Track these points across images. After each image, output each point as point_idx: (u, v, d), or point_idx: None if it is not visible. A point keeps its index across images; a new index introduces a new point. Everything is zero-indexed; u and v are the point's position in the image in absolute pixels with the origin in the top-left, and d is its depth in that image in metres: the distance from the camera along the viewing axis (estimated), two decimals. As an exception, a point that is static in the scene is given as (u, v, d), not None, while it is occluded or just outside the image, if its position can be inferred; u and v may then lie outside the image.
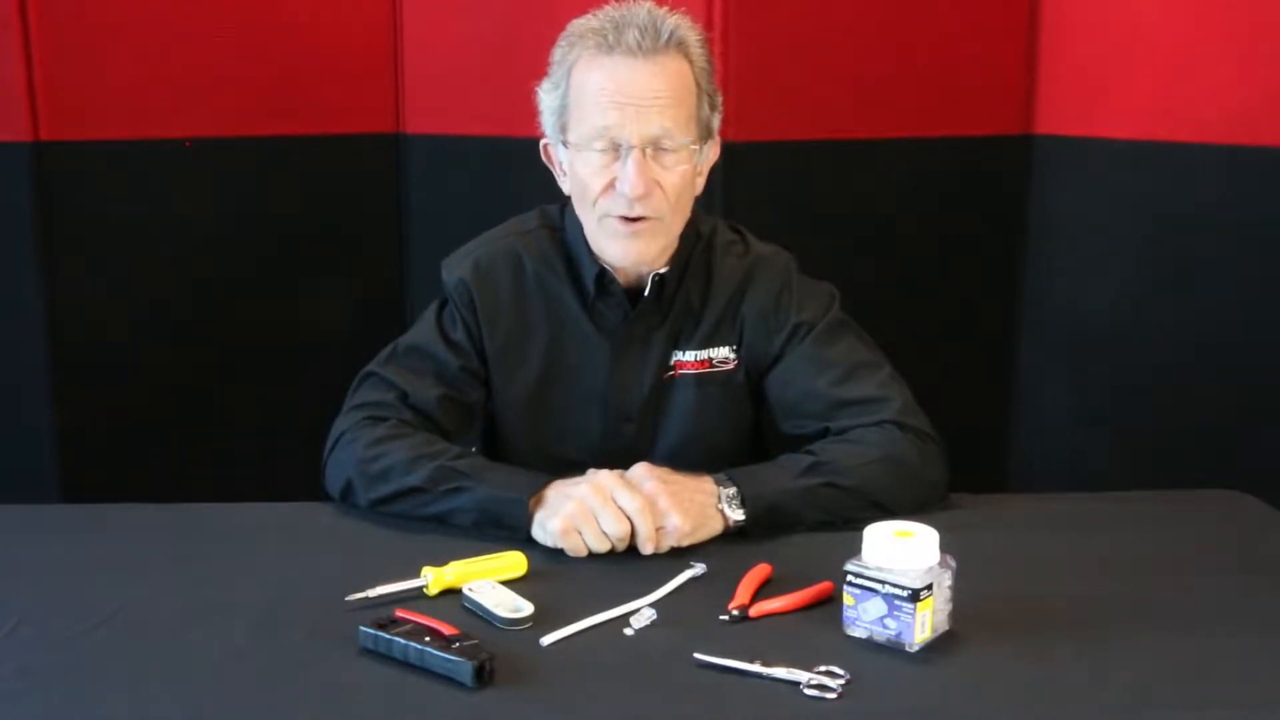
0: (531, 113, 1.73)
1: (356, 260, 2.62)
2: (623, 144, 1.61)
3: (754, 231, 1.82)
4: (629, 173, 1.61)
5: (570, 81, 1.65)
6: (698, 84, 1.65)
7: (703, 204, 1.73)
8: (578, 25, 1.67)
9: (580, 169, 1.65)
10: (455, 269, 1.76)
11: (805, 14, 2.33)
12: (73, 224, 2.39)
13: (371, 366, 1.74)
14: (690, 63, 1.64)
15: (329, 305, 2.56)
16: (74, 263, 2.41)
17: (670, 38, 1.62)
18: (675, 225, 1.69)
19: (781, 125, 2.34)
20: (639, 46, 1.60)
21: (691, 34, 1.65)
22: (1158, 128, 2.28)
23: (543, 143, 1.74)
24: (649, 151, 1.61)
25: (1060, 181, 2.42)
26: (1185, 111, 2.25)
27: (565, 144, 1.67)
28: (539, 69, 1.71)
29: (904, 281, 2.43)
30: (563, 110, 1.66)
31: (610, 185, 1.63)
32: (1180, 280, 2.32)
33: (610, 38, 1.61)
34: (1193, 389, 2.33)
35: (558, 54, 1.68)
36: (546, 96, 1.69)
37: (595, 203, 1.65)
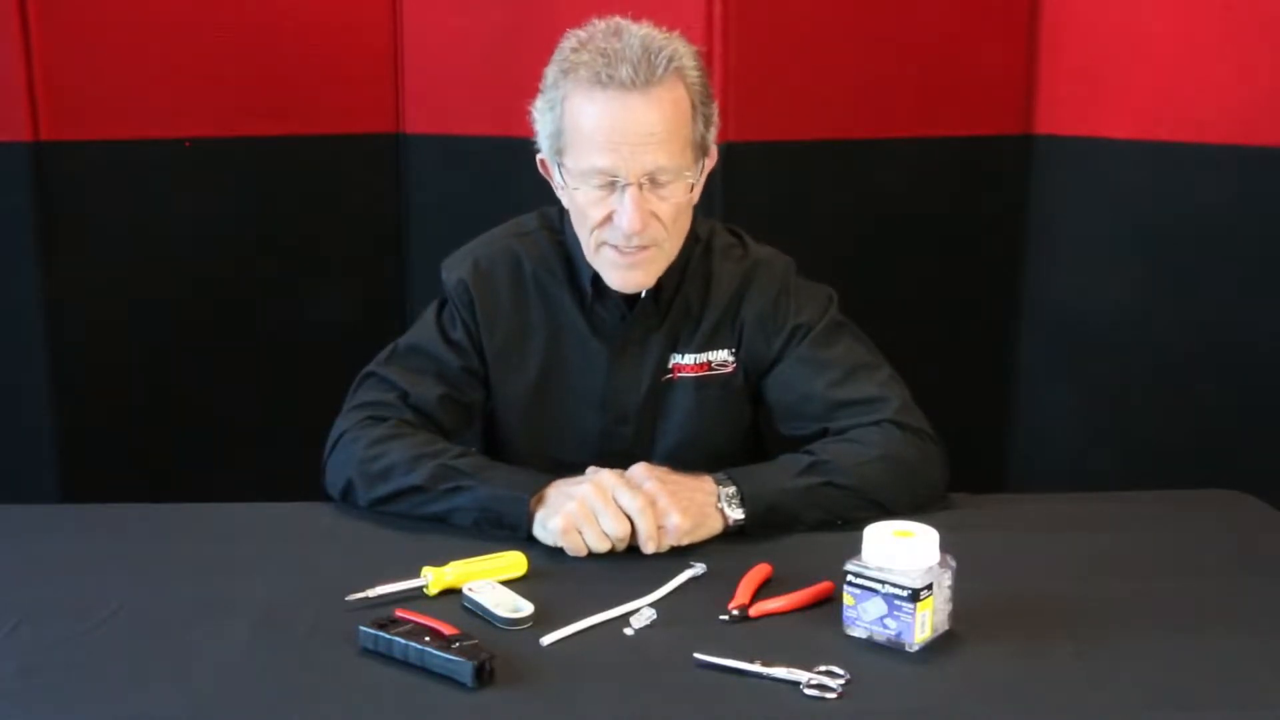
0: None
1: (356, 260, 2.61)
2: (619, 179, 1.59)
3: (753, 232, 1.81)
4: (626, 208, 1.58)
5: (564, 110, 1.61)
6: (693, 105, 1.62)
7: (703, 204, 1.73)
8: (570, 55, 1.61)
9: (578, 198, 1.63)
10: (455, 269, 1.76)
11: (805, 14, 2.32)
12: (72, 224, 2.39)
13: (372, 366, 1.74)
14: (685, 85, 1.60)
15: (329, 305, 2.55)
16: (74, 263, 2.40)
17: (666, 67, 1.57)
18: (673, 248, 1.68)
19: (781, 125, 2.34)
20: (633, 82, 1.56)
21: (686, 51, 1.62)
22: (1158, 128, 2.28)
23: (539, 156, 1.72)
24: (645, 185, 1.59)
25: (1060, 181, 2.42)
26: (1185, 111, 2.25)
27: (562, 165, 1.65)
28: (539, 69, 1.69)
29: (904, 281, 2.43)
30: (558, 135, 1.63)
31: (608, 218, 1.61)
32: (1180, 280, 2.32)
33: (603, 74, 1.57)
34: (1193, 389, 2.33)
35: (550, 75, 1.64)
36: (541, 116, 1.66)
37: (593, 231, 1.64)
